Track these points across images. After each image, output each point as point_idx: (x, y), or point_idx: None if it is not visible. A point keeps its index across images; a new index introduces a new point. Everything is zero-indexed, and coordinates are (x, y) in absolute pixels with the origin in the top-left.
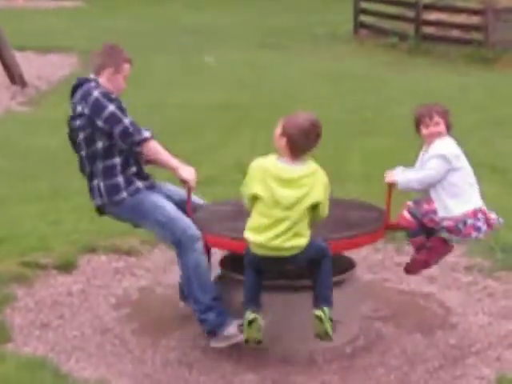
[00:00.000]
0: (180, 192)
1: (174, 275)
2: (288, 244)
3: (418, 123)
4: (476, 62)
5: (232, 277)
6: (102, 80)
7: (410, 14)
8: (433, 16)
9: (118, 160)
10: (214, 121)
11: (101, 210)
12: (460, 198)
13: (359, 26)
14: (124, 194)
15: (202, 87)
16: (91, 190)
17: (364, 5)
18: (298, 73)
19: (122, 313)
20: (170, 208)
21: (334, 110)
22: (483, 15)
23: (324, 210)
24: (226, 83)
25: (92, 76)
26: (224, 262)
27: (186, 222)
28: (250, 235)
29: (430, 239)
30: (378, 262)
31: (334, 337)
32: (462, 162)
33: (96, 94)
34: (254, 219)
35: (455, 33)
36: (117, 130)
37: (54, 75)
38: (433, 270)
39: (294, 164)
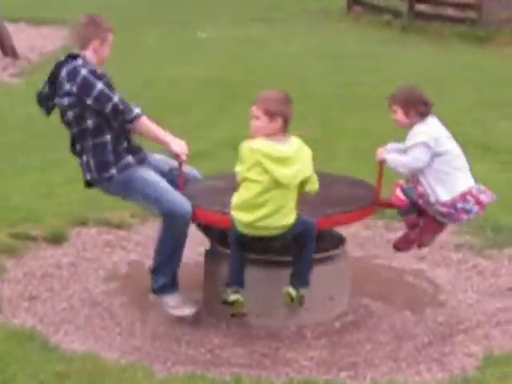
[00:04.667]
0: (170, 162)
1: None
2: (278, 223)
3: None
4: (469, 41)
5: (221, 251)
6: (89, 53)
7: None
8: None
9: (108, 137)
10: (205, 96)
11: (90, 184)
12: (446, 183)
13: (353, 2)
14: (113, 171)
15: (194, 62)
16: (81, 165)
17: None
18: (291, 49)
19: (111, 286)
20: (161, 183)
21: (327, 86)
22: None
23: (315, 184)
24: (218, 58)
25: (77, 51)
26: (213, 236)
27: (176, 196)
28: (237, 213)
29: (423, 218)
30: (368, 239)
31: (323, 312)
32: (446, 146)
33: (84, 72)
34: (245, 198)
35: (449, 11)
36: (107, 108)
37: (47, 47)
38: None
39: (283, 143)
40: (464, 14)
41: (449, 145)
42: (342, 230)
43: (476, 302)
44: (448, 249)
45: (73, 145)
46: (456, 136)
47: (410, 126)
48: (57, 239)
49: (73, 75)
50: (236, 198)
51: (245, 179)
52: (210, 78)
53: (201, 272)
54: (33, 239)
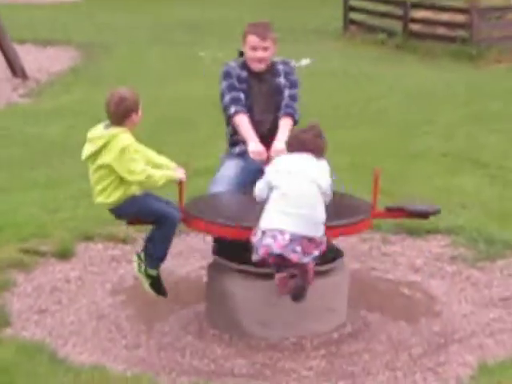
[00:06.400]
0: None
1: (168, 263)
2: (96, 200)
3: None
4: (460, 59)
5: (223, 264)
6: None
7: (398, 11)
8: (420, 14)
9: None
10: (208, 114)
11: None
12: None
13: (349, 23)
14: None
15: (197, 81)
16: None
17: (353, 3)
18: None
19: (117, 299)
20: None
21: (324, 103)
22: (468, 14)
23: (124, 172)
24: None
25: None
26: (216, 250)
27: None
28: None
29: None
30: (364, 252)
31: (322, 324)
32: (278, 181)
33: (223, 68)
34: None
35: (441, 30)
36: (222, 103)
37: (54, 67)
38: (418, 260)
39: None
40: (455, 33)
41: (281, 181)
42: (340, 244)
43: (470, 312)
44: (442, 261)
45: None
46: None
47: None
48: (65, 254)
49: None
50: None
51: None
52: (212, 97)
53: (203, 285)
54: (42, 254)
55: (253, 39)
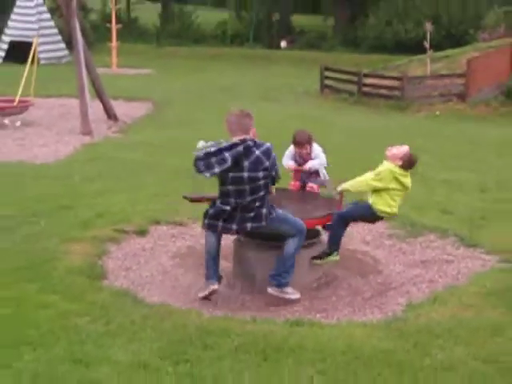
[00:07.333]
0: None
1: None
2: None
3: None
4: (395, 110)
5: (244, 239)
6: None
7: (355, 79)
8: (369, 80)
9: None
10: None
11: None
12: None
13: (324, 86)
14: (273, 212)
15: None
16: (258, 216)
17: (327, 73)
18: (285, 115)
19: (176, 262)
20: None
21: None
22: (401, 80)
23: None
24: None
25: (244, 136)
26: None
27: (297, 219)
28: (386, 208)
29: None
30: None
31: (307, 277)
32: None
33: (273, 153)
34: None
35: (383, 91)
36: (278, 175)
37: (136, 114)
38: (367, 236)
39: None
40: (392, 93)
41: None
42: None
43: (401, 270)
44: (383, 237)
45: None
46: None
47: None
48: (142, 232)
49: (268, 155)
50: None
51: None
52: None
53: (231, 253)
54: (127, 233)
55: None
